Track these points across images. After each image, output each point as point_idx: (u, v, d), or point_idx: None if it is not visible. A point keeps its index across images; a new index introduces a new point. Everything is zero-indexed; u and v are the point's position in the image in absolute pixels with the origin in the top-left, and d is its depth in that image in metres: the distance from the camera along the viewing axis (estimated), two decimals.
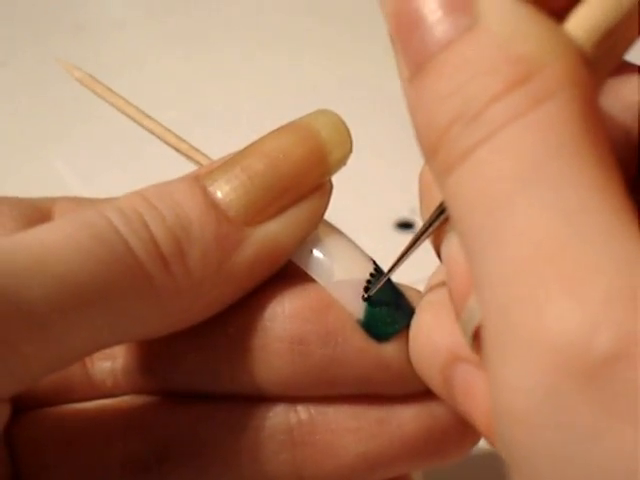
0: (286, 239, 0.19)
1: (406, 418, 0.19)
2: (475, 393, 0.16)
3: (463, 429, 0.19)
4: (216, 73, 0.47)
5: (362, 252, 0.20)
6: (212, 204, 0.18)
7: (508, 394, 0.12)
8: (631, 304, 0.11)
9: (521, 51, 0.12)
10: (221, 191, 0.18)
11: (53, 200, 0.21)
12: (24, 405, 0.21)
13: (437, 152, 0.13)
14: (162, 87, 0.46)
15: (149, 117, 0.21)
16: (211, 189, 0.18)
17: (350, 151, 0.19)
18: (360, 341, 0.18)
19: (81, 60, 0.46)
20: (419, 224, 0.33)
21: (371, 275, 0.19)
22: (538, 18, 0.13)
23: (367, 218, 0.33)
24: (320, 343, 0.18)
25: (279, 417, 0.19)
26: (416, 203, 0.34)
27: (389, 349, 0.18)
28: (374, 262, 0.20)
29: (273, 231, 0.18)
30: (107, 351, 0.20)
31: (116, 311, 0.17)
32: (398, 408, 0.19)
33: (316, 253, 0.19)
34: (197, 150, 0.20)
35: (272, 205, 0.18)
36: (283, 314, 0.19)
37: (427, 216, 0.18)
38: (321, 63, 0.50)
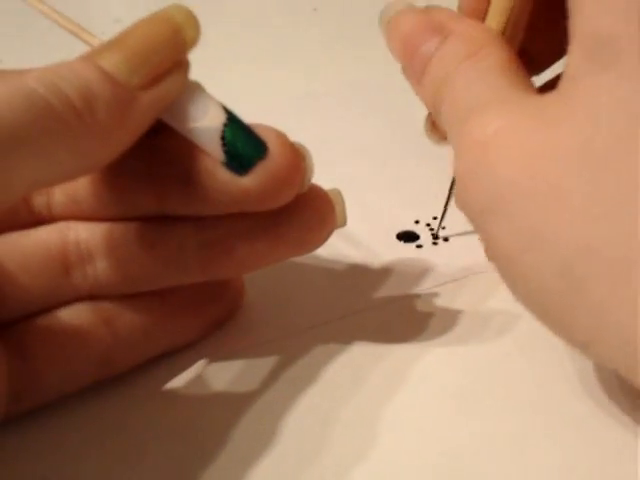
0: (162, 99, 0.24)
1: (280, 225, 0.26)
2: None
3: (323, 224, 0.26)
4: (216, 73, 0.47)
5: (218, 103, 0.25)
6: (104, 72, 0.23)
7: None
8: None
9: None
10: (108, 63, 0.23)
11: None
12: None
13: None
14: None
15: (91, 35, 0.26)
16: (101, 63, 0.23)
17: (199, 34, 0.25)
18: (224, 176, 0.24)
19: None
20: (422, 236, 0.33)
21: (225, 120, 0.24)
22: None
23: (370, 230, 0.33)
24: (197, 182, 0.25)
25: (189, 229, 0.26)
26: (418, 215, 0.34)
27: (247, 180, 0.24)
28: (228, 111, 0.24)
29: (154, 93, 0.24)
30: (43, 190, 0.27)
31: (42, 152, 0.21)
32: (275, 220, 0.26)
33: (180, 110, 0.24)
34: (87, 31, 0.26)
35: (150, 74, 0.24)
36: (169, 158, 0.25)
37: None
38: (325, 66, 0.50)
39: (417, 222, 0.34)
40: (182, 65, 0.25)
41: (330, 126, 0.42)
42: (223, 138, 0.24)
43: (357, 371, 0.26)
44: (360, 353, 0.27)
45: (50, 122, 0.21)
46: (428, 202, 0.34)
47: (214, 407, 0.25)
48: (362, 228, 0.33)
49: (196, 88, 0.25)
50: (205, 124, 0.24)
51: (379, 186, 0.36)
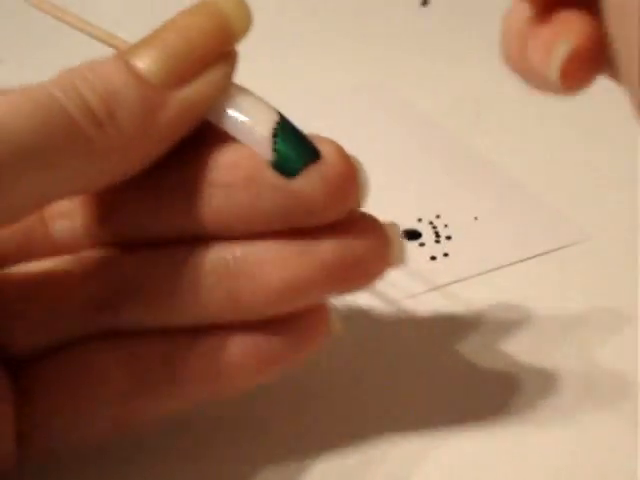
0: (201, 99, 0.22)
1: (325, 248, 0.22)
2: (535, 39, 0.20)
3: (374, 258, 0.23)
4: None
5: (268, 104, 0.23)
6: (134, 73, 0.21)
7: None
8: None
9: None
10: (141, 61, 0.21)
11: None
12: None
13: None
14: None
15: (98, 28, 0.25)
16: (133, 60, 0.21)
17: (250, 24, 0.23)
18: (273, 179, 0.22)
19: (80, 59, 0.45)
20: (425, 234, 0.33)
21: (277, 123, 0.22)
22: None
23: None
24: (242, 185, 0.22)
25: (216, 254, 0.22)
26: (422, 213, 0.34)
27: (297, 183, 0.22)
28: (279, 112, 0.23)
29: (189, 92, 0.22)
30: (64, 210, 0.24)
31: (56, 167, 0.20)
32: (319, 241, 0.22)
33: (228, 109, 0.22)
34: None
35: (187, 71, 0.21)
36: (212, 164, 0.22)
37: None
38: (325, 66, 0.50)
39: (420, 220, 0.34)
40: (228, 58, 0.22)
41: (331, 125, 0.42)
42: (275, 136, 0.22)
43: (354, 370, 0.26)
44: (357, 353, 0.27)
45: (63, 132, 0.20)
46: (431, 200, 0.34)
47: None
48: None
49: (240, 87, 0.23)
50: (255, 120, 0.22)
51: (381, 184, 0.36)
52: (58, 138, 0.20)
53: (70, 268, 0.23)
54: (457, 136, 0.39)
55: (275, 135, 0.22)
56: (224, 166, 0.22)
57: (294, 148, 0.22)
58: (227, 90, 0.22)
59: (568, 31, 0.19)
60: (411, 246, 0.32)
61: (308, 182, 0.22)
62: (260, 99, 0.23)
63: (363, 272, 0.23)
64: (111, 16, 0.53)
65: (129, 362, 0.23)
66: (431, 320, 0.28)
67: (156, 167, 0.22)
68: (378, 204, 0.38)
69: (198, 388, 0.23)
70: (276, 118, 0.22)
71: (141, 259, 0.23)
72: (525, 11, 0.20)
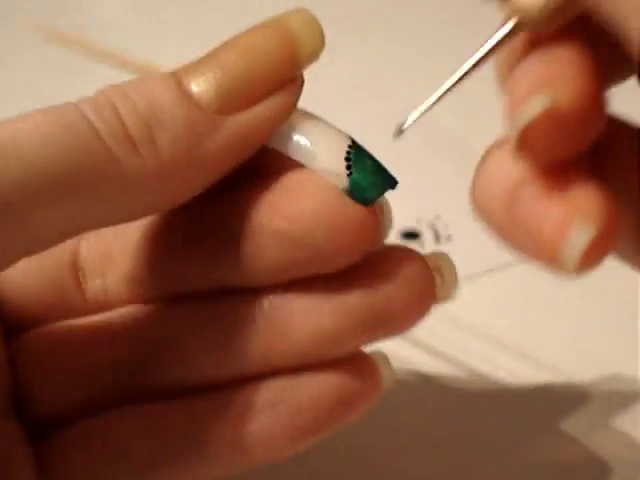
0: (257, 127, 0.20)
1: (354, 296, 0.20)
2: (543, 212, 0.16)
3: (406, 305, 0.20)
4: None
5: (338, 129, 0.21)
6: (184, 93, 0.19)
7: None
8: None
9: None
10: (195, 82, 0.19)
11: None
12: (23, 325, 0.22)
13: None
14: None
15: (124, 55, 0.23)
16: (185, 80, 0.19)
17: (322, 47, 0.20)
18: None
19: (81, 59, 0.45)
20: (424, 234, 0.33)
21: (349, 147, 0.20)
22: None
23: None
24: (251, 237, 0.20)
25: (249, 307, 0.21)
26: (421, 213, 0.34)
27: (307, 229, 0.19)
28: (351, 137, 0.20)
29: (245, 119, 0.19)
30: (97, 270, 0.22)
31: (85, 193, 0.18)
32: (347, 288, 0.20)
33: (294, 136, 0.20)
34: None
35: (244, 96, 0.19)
36: (226, 213, 0.20)
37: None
38: (325, 66, 0.50)
39: (419, 220, 0.34)
40: (293, 84, 0.20)
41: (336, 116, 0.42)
42: (348, 159, 0.20)
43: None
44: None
45: (92, 156, 0.18)
46: (431, 200, 0.34)
47: None
48: None
49: (306, 113, 0.21)
50: (325, 145, 0.20)
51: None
52: (86, 163, 0.18)
53: (101, 328, 0.22)
54: (457, 136, 0.39)
55: (349, 161, 0.20)
56: (236, 214, 0.20)
57: (369, 175, 0.20)
58: (290, 117, 0.20)
59: (587, 212, 0.16)
60: (411, 246, 0.32)
61: (318, 228, 0.19)
62: (329, 124, 0.21)
63: (399, 316, 0.20)
64: (111, 16, 0.53)
65: (151, 431, 0.21)
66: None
67: (188, 207, 0.20)
68: None
69: (227, 455, 0.21)
70: (349, 142, 0.20)
71: (170, 316, 0.21)
72: (518, 171, 0.17)
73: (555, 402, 0.26)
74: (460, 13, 0.48)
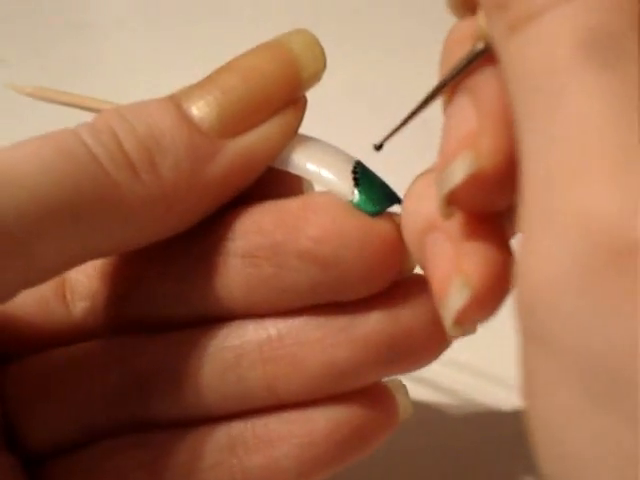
0: (260, 150, 0.19)
1: (369, 325, 0.19)
2: (438, 260, 0.17)
3: (427, 334, 0.19)
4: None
5: (342, 151, 0.20)
6: (185, 117, 0.18)
7: (540, 259, 0.13)
8: None
9: None
10: (195, 105, 0.19)
11: None
12: (13, 354, 0.21)
13: (506, 8, 0.14)
14: (163, 87, 0.46)
15: (115, 104, 0.21)
16: (185, 104, 0.19)
17: (323, 68, 0.20)
18: (303, 245, 0.19)
19: (81, 59, 0.45)
20: None
21: (355, 164, 0.20)
22: None
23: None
24: (268, 256, 0.19)
25: (249, 335, 0.20)
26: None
27: (332, 250, 0.19)
28: (355, 159, 0.20)
29: (247, 143, 0.19)
30: (85, 291, 0.21)
31: (85, 222, 0.17)
32: (361, 316, 0.19)
33: (300, 156, 0.20)
34: None
35: (246, 119, 0.19)
36: (235, 230, 0.19)
37: (445, 71, 0.18)
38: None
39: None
40: (295, 106, 0.20)
41: (332, 124, 0.42)
42: (355, 174, 0.20)
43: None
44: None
45: (90, 182, 0.17)
46: None
47: None
48: None
49: (309, 137, 0.20)
50: (332, 164, 0.20)
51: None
52: (86, 189, 0.17)
53: (92, 355, 0.21)
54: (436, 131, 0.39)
55: (356, 177, 0.20)
56: (248, 233, 0.19)
57: (376, 191, 0.20)
58: (294, 139, 0.20)
59: (467, 274, 0.16)
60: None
61: (344, 250, 0.18)
62: (332, 145, 0.20)
63: (419, 349, 0.19)
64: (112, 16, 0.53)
65: (150, 463, 0.20)
66: None
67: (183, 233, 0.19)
68: None
69: None
70: (354, 160, 0.20)
71: (166, 343, 0.20)
72: (432, 211, 0.17)
73: None
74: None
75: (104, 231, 0.18)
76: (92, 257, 0.19)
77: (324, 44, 0.20)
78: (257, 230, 0.19)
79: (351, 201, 0.19)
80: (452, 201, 0.16)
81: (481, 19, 0.16)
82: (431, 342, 0.19)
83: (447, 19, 0.19)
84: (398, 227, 0.19)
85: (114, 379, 0.20)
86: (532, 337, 0.13)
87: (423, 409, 0.26)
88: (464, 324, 0.16)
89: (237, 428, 0.20)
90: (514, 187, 0.15)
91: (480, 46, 0.16)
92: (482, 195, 0.16)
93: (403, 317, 0.19)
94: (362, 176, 0.20)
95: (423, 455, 0.25)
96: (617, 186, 0.12)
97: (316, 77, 0.20)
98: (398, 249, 0.19)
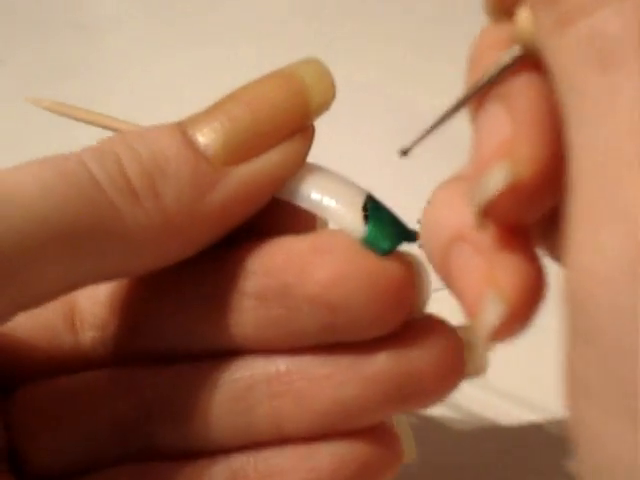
0: (264, 179, 0.19)
1: (378, 364, 0.19)
2: (469, 273, 0.16)
3: (436, 374, 0.19)
4: (216, 72, 0.47)
5: (353, 182, 0.20)
6: (190, 144, 0.18)
7: (594, 256, 0.13)
8: None
9: None
10: (201, 133, 0.18)
11: None
12: (19, 380, 0.21)
13: (556, 3, 0.14)
14: (162, 86, 0.46)
15: (130, 124, 0.21)
16: (191, 131, 0.19)
17: (332, 97, 0.20)
18: (312, 290, 0.18)
19: (81, 59, 0.45)
20: None
21: (366, 199, 0.20)
22: None
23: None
24: (277, 298, 0.19)
25: (257, 370, 0.19)
26: (421, 214, 0.34)
27: (342, 294, 0.18)
28: (367, 191, 0.20)
29: (252, 171, 0.19)
30: (94, 320, 0.21)
31: (85, 247, 0.17)
32: (371, 355, 0.19)
33: (307, 188, 0.19)
34: None
35: (252, 147, 0.19)
36: (245, 269, 0.19)
37: (473, 78, 0.18)
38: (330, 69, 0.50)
39: (420, 222, 0.33)
40: (303, 135, 0.20)
41: (334, 125, 0.41)
42: (365, 209, 0.19)
43: None
44: None
45: (92, 208, 0.17)
46: None
47: None
48: None
49: (319, 167, 0.20)
50: (342, 197, 0.19)
51: (381, 185, 0.36)
52: (86, 215, 0.17)
53: (100, 383, 0.21)
54: (458, 136, 0.39)
55: (366, 212, 0.19)
56: (259, 273, 0.19)
57: (387, 227, 0.19)
58: (303, 169, 0.19)
59: (501, 288, 0.16)
60: (411, 248, 0.32)
61: (354, 295, 0.18)
62: (343, 177, 0.20)
63: (427, 389, 0.19)
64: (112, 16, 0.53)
65: None
66: None
67: (193, 262, 0.19)
68: None
69: None
70: (365, 195, 0.20)
71: (175, 375, 0.20)
72: (459, 222, 0.17)
73: (547, 442, 0.25)
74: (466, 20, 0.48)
75: (103, 257, 0.18)
76: (91, 282, 0.19)
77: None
78: (266, 271, 0.19)
79: (361, 238, 0.19)
80: (488, 212, 0.16)
81: (521, 21, 0.16)
82: (440, 383, 0.19)
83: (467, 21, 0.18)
84: (410, 266, 0.19)
85: (121, 409, 0.20)
86: (583, 336, 0.13)
87: (429, 422, 0.26)
88: (499, 339, 0.16)
89: (239, 461, 0.20)
90: (551, 197, 0.15)
91: (516, 51, 0.16)
92: (519, 205, 0.16)
93: (412, 358, 0.19)
94: (373, 211, 0.19)
95: (429, 469, 0.25)
96: None
97: (325, 107, 0.20)
98: (409, 291, 0.19)
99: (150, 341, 0.21)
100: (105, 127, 0.21)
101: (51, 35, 0.50)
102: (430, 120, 0.19)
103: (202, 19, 0.52)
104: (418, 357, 0.19)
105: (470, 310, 0.16)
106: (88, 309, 0.21)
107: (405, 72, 0.44)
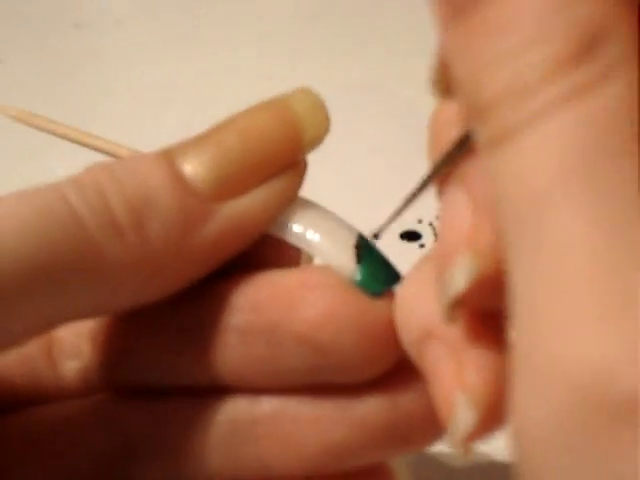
0: (254, 216, 0.18)
1: (367, 407, 0.18)
2: (440, 375, 0.16)
3: (427, 418, 0.18)
4: (216, 72, 0.47)
5: (344, 221, 0.19)
6: (177, 176, 0.17)
7: (526, 414, 0.12)
8: None
9: (581, 14, 0.12)
10: (189, 164, 0.17)
11: None
12: None
13: (486, 119, 0.13)
14: (162, 86, 0.46)
15: (98, 138, 0.21)
16: (179, 162, 0.17)
17: (326, 131, 0.19)
18: (300, 328, 0.18)
19: (80, 59, 0.45)
20: (425, 235, 0.33)
21: (358, 239, 0.19)
22: None
23: (373, 228, 0.33)
24: (263, 335, 0.18)
25: (243, 410, 0.19)
26: (422, 214, 0.34)
27: (328, 335, 0.17)
28: (358, 231, 0.19)
29: (242, 207, 0.18)
30: (74, 350, 0.20)
31: (62, 284, 0.16)
32: (360, 397, 0.18)
33: (298, 225, 0.19)
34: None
35: (242, 181, 0.18)
36: (229, 305, 0.18)
37: (435, 156, 0.17)
38: (325, 67, 0.49)
39: (420, 221, 0.34)
40: (295, 168, 0.19)
41: (333, 125, 0.41)
42: (358, 248, 0.19)
43: None
44: None
45: (69, 245, 0.16)
46: (431, 201, 0.34)
47: None
48: (365, 227, 0.33)
49: (310, 202, 0.19)
50: (334, 235, 0.19)
51: (382, 185, 0.36)
52: (66, 252, 0.16)
53: (79, 416, 0.20)
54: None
55: (358, 253, 0.19)
56: (243, 310, 0.18)
57: (379, 269, 0.19)
58: (294, 204, 0.19)
59: (472, 393, 0.15)
60: (411, 247, 0.32)
61: (343, 336, 0.17)
62: (334, 215, 0.19)
63: (418, 433, 0.18)
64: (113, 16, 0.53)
65: None
66: None
67: (177, 296, 0.18)
68: (378, 206, 0.38)
69: None
70: (357, 232, 0.19)
71: (156, 410, 0.19)
72: (431, 315, 0.16)
73: None
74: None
75: (83, 294, 0.17)
76: (70, 319, 0.18)
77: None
78: (252, 307, 0.18)
79: (352, 279, 0.18)
80: (455, 306, 0.15)
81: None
82: (430, 427, 0.18)
83: None
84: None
85: (100, 443, 0.19)
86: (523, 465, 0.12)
87: (426, 458, 0.26)
88: (473, 442, 0.15)
89: None
90: None
91: (469, 131, 0.15)
92: (485, 295, 0.15)
93: (402, 401, 0.18)
94: (365, 252, 0.19)
95: None
96: (606, 333, 0.11)
97: (319, 140, 0.19)
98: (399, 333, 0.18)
99: (132, 374, 0.20)
100: (69, 139, 0.20)
101: (51, 35, 0.50)
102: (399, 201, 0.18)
103: (202, 19, 0.52)
104: (408, 401, 0.18)
105: (442, 415, 0.16)
106: (65, 338, 0.20)
107: (405, 72, 0.44)
